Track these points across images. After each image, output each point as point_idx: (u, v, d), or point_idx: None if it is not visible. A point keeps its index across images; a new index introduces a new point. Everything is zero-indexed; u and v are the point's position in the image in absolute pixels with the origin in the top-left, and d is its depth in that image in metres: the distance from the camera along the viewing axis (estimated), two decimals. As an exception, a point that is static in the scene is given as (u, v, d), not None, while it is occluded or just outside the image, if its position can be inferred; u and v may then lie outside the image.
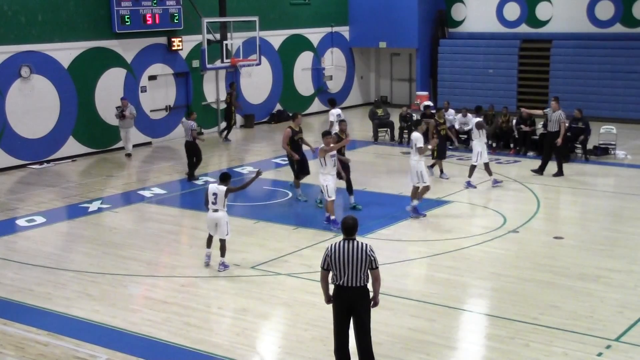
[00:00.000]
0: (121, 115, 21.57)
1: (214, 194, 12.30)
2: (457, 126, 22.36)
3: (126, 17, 22.48)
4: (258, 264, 12.66)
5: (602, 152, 20.81)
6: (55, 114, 21.41)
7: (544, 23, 28.48)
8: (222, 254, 12.41)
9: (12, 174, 20.00)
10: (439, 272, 12.17)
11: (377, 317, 10.45)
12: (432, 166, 18.53)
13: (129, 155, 21.95)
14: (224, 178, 12.41)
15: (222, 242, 12.42)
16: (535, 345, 9.49)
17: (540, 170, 18.61)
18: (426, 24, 30.09)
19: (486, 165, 17.60)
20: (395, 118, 23.94)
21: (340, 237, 8.34)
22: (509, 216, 15.19)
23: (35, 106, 20.88)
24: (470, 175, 17.55)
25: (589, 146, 20.71)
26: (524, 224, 14.72)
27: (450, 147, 19.77)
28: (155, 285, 11.89)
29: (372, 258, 8.15)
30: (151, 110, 24.10)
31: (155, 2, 23.18)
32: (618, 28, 26.99)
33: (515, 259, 12.86)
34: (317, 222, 14.74)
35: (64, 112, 21.56)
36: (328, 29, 30.35)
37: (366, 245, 8.22)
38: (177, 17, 23.92)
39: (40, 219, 15.66)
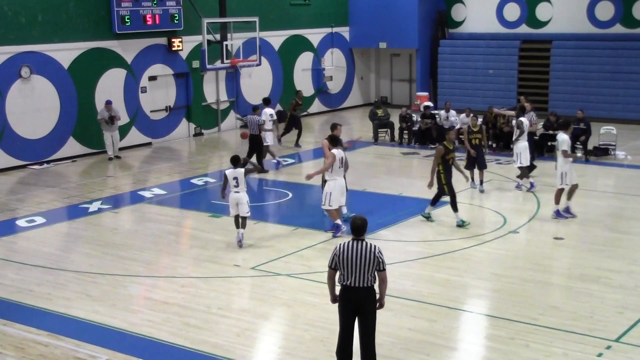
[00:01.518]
0: (111, 120, 21.44)
1: (235, 177, 13.38)
2: (458, 126, 22.37)
3: (126, 17, 22.49)
4: (258, 265, 12.66)
5: (602, 152, 20.81)
6: (56, 115, 21.42)
7: (544, 23, 28.49)
8: (243, 227, 13.58)
9: (12, 175, 20.01)
10: (439, 273, 12.17)
11: (378, 317, 10.45)
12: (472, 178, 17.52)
13: (118, 157, 21.83)
14: (236, 160, 13.47)
15: (244, 219, 13.57)
16: (535, 345, 9.49)
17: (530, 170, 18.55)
18: (426, 25, 30.10)
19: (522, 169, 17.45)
20: (395, 119, 23.94)
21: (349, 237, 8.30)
22: (509, 217, 15.19)
23: (35, 107, 20.88)
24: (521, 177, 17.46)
25: (589, 147, 20.72)
26: (524, 225, 14.73)
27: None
28: (156, 286, 11.89)
29: (380, 260, 8.12)
30: (151, 111, 24.10)
31: (155, 2, 23.18)
32: (618, 29, 27.01)
33: (515, 259, 12.86)
34: (318, 223, 14.72)
35: (64, 113, 21.57)
36: (328, 30, 30.36)
37: (375, 246, 8.18)
38: (177, 18, 23.92)
39: (40, 220, 15.67)
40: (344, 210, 14.59)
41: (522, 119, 17.70)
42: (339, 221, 13.95)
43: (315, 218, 15.12)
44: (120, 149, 22.41)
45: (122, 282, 12.00)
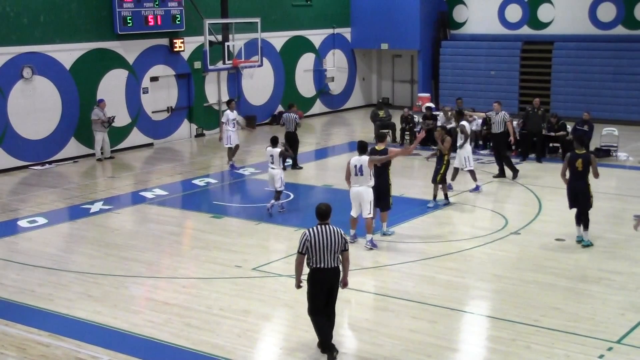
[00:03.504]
0: (109, 122, 21.48)
1: (271, 155, 15.69)
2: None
3: (128, 18, 22.50)
4: (259, 266, 12.66)
5: (604, 154, 20.79)
6: (57, 115, 21.43)
7: (545, 25, 28.47)
8: (277, 200, 15.62)
9: (13, 175, 20.02)
10: (440, 274, 12.16)
11: (378, 318, 10.49)
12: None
13: (112, 157, 21.83)
14: (275, 141, 15.77)
15: (278, 193, 15.61)
16: (537, 347, 9.48)
17: (502, 174, 18.52)
18: (428, 26, 30.10)
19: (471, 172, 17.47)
20: (397, 120, 23.94)
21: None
22: (511, 218, 15.19)
23: (37, 107, 20.89)
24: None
25: (591, 148, 20.68)
26: (525, 226, 14.72)
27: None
28: (157, 287, 11.90)
29: (345, 240, 8.99)
30: (153, 112, 24.12)
31: (157, 3, 23.20)
32: (620, 30, 26.99)
33: (516, 260, 12.85)
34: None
35: (65, 113, 21.58)
36: (330, 31, 30.37)
37: (339, 229, 9.02)
38: (179, 19, 23.93)
39: (41, 220, 15.67)
40: (384, 227, 14.05)
41: (463, 122, 17.72)
42: (352, 231, 13.46)
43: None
44: (122, 149, 22.41)
45: (123, 283, 12.01)
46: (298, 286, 9.27)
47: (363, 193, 13.04)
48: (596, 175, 13.38)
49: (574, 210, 13.51)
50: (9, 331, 10.23)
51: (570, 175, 13.39)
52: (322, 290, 9.00)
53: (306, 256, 8.94)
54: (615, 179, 19.09)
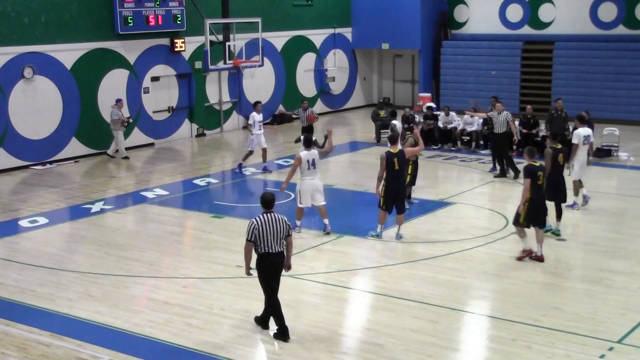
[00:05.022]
0: (128, 123, 21.63)
1: (311, 160, 14.60)
2: (461, 127, 22.42)
3: (129, 18, 22.50)
4: (260, 265, 12.64)
5: (604, 153, 20.78)
6: (58, 115, 21.44)
7: (546, 25, 28.47)
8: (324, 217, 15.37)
9: (14, 175, 20.03)
10: (441, 274, 12.16)
11: (379, 318, 10.49)
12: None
13: (127, 158, 21.90)
14: (309, 142, 14.85)
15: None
16: (538, 347, 9.48)
17: (502, 174, 18.51)
18: (429, 26, 30.09)
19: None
20: (397, 120, 23.92)
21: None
22: (511, 218, 15.12)
23: (38, 107, 20.90)
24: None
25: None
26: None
27: (452, 148, 19.73)
28: (158, 287, 11.90)
29: (289, 226, 9.69)
30: (154, 112, 24.12)
31: (158, 3, 23.20)
32: (621, 30, 26.99)
33: (517, 260, 12.84)
34: (319, 224, 14.72)
35: (66, 113, 21.59)
36: (331, 30, 30.37)
37: (283, 216, 9.68)
38: (179, 19, 23.94)
39: (42, 220, 15.68)
40: (398, 229, 14.02)
41: (394, 122, 17.77)
42: (298, 222, 14.32)
43: (316, 219, 15.11)
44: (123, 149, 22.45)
45: (124, 283, 12.01)
46: (248, 273, 9.79)
47: (318, 184, 14.21)
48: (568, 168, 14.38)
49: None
50: (10, 331, 10.23)
51: (551, 170, 13.59)
52: (270, 273, 9.68)
53: (254, 243, 9.57)
54: (616, 178, 19.09)
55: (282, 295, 11.34)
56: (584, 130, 15.81)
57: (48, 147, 21.25)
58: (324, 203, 14.29)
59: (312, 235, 14.33)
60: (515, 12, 28.99)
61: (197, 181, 19.10)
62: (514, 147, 19.61)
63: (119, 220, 15.80)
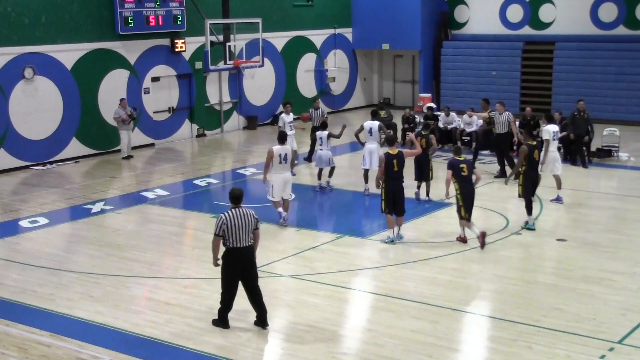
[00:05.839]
0: (130, 118, 21.60)
1: (320, 138, 17.39)
2: (461, 127, 22.43)
3: (129, 18, 22.51)
4: (260, 266, 12.59)
5: (605, 154, 20.77)
6: (59, 116, 21.44)
7: (547, 25, 28.47)
8: (329, 176, 17.74)
9: (15, 175, 20.03)
10: (442, 274, 12.16)
11: (380, 318, 10.49)
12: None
13: (130, 157, 21.95)
14: (325, 125, 17.63)
15: (331, 169, 17.67)
16: (538, 347, 9.48)
17: (503, 174, 18.48)
18: (429, 26, 30.09)
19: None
20: (398, 120, 23.93)
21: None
22: (512, 218, 15.16)
23: (38, 107, 20.90)
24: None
25: (592, 148, 20.68)
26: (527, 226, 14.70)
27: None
28: (158, 287, 11.90)
29: (257, 220, 9.95)
30: (154, 112, 24.13)
31: (158, 3, 23.20)
32: (621, 30, 26.98)
33: (518, 261, 12.85)
34: (319, 224, 14.73)
35: (67, 114, 21.59)
36: (331, 31, 30.37)
37: (251, 210, 9.93)
38: (180, 19, 23.94)
39: (43, 220, 15.68)
40: (398, 230, 13.91)
41: (370, 122, 18.07)
42: (280, 209, 14.88)
43: (316, 219, 15.15)
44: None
45: (124, 283, 12.02)
46: (215, 264, 10.03)
47: (288, 178, 14.91)
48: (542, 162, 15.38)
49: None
50: (10, 331, 10.23)
51: (527, 166, 14.26)
52: (237, 267, 9.89)
53: (222, 237, 9.80)
54: (616, 179, 19.09)
55: (283, 295, 11.39)
56: (552, 127, 16.66)
57: (48, 147, 21.25)
58: (291, 198, 15.19)
59: (312, 235, 14.33)
60: (515, 13, 28.99)
61: (197, 181, 19.10)
62: (514, 147, 19.59)
63: (120, 221, 15.79)
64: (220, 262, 10.01)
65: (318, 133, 17.44)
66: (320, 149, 17.38)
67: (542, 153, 15.46)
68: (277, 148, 14.68)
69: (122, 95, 22.72)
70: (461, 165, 13.35)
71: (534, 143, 14.49)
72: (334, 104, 30.99)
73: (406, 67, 32.28)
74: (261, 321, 10.16)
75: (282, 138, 14.89)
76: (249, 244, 9.90)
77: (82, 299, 11.36)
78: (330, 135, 17.52)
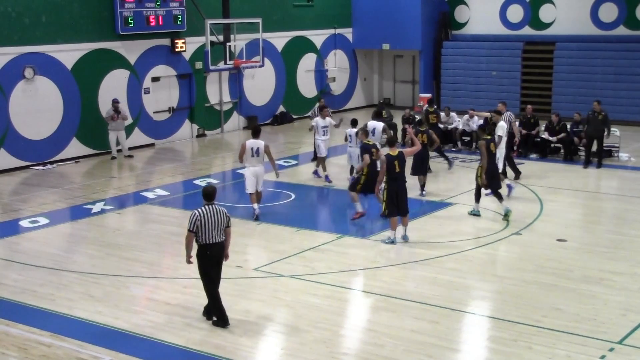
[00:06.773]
0: (116, 112, 21.45)
1: (350, 135, 17.40)
2: (461, 127, 22.43)
3: (129, 18, 22.51)
4: (260, 266, 12.66)
5: (605, 154, 20.75)
6: (59, 116, 21.44)
7: (547, 25, 28.46)
8: (351, 174, 17.36)
9: (15, 175, 20.03)
10: (442, 274, 12.16)
11: (380, 318, 10.49)
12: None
13: (130, 156, 21.93)
14: (355, 123, 17.56)
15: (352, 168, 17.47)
16: (538, 347, 9.48)
17: (504, 174, 18.47)
18: (429, 26, 30.09)
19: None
20: (398, 120, 23.93)
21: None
22: (512, 218, 15.16)
23: (38, 107, 20.90)
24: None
25: (592, 148, 20.64)
26: (527, 226, 14.71)
27: (453, 149, 19.74)
28: (158, 287, 11.90)
29: (229, 217, 10.15)
30: (154, 112, 24.12)
31: (158, 3, 23.20)
32: (622, 30, 26.98)
33: (518, 261, 12.84)
34: (319, 224, 14.73)
35: (67, 114, 21.59)
36: (331, 31, 30.37)
37: (223, 208, 10.14)
38: (180, 19, 23.93)
39: (43, 220, 15.68)
40: (404, 231, 13.91)
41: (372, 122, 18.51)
42: (255, 205, 15.30)
43: (317, 219, 15.15)
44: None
45: (124, 283, 12.02)
46: (188, 261, 10.17)
47: (260, 171, 15.30)
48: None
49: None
50: (10, 331, 10.23)
51: (487, 159, 14.98)
52: (211, 262, 10.06)
53: (196, 234, 9.93)
54: (617, 179, 19.08)
55: (283, 295, 11.39)
56: (505, 123, 17.53)
57: (49, 147, 21.25)
58: (262, 189, 15.55)
59: (312, 235, 14.33)
60: (515, 13, 28.98)
61: (197, 182, 19.09)
62: (514, 147, 19.60)
63: (120, 221, 15.80)
64: (192, 259, 10.16)
65: (347, 130, 17.60)
66: (350, 146, 17.50)
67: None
68: (250, 142, 15.16)
69: (122, 95, 22.71)
70: (372, 150, 14.81)
71: (488, 137, 15.24)
72: (334, 104, 30.94)
73: (406, 67, 32.28)
74: (207, 312, 10.42)
75: (255, 132, 15.43)
76: (221, 240, 10.07)
77: (82, 299, 11.36)
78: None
